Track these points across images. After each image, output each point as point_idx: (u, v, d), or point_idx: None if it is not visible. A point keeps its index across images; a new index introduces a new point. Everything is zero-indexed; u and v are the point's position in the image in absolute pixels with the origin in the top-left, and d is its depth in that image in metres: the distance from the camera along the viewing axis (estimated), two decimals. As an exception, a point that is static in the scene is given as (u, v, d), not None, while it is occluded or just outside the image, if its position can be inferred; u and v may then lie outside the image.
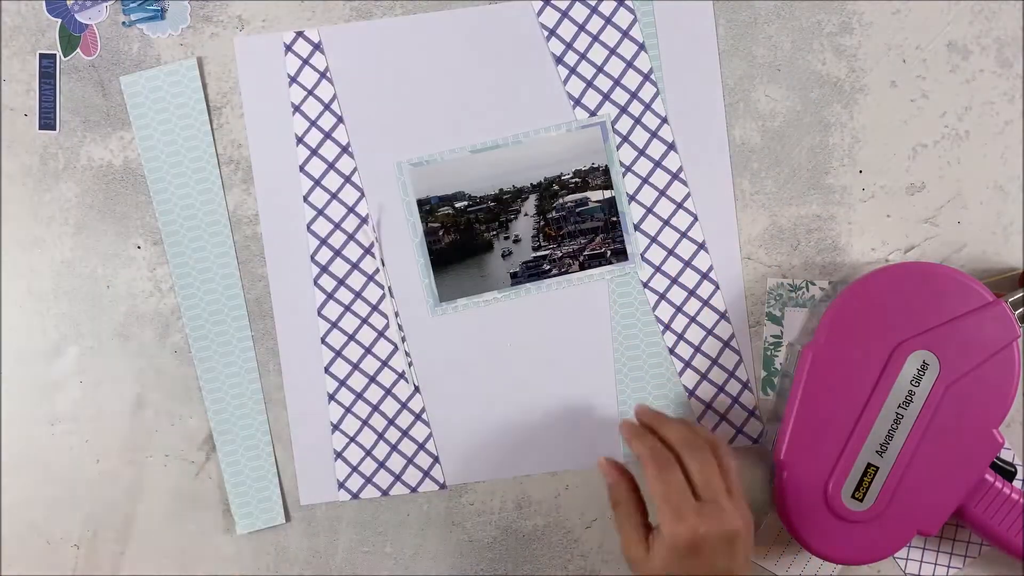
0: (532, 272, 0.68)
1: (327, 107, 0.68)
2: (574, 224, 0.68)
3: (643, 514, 0.60)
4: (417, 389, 0.69)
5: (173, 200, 0.68)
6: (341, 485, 0.69)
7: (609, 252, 0.68)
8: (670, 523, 0.56)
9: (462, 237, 0.68)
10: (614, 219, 0.68)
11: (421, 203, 0.68)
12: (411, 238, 0.68)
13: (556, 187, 0.68)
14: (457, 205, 0.68)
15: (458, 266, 0.68)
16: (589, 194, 0.68)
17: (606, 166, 0.68)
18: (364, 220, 0.68)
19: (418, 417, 0.69)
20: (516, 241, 0.68)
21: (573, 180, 0.68)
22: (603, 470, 0.62)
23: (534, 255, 0.69)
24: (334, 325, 0.68)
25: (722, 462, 0.59)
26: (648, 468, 0.58)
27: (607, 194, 0.68)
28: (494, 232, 0.68)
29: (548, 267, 0.68)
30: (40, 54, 0.67)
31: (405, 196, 0.68)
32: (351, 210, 0.68)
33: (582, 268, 0.68)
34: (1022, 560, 0.65)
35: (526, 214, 0.68)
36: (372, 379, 0.69)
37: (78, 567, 0.69)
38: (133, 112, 0.67)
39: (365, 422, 0.69)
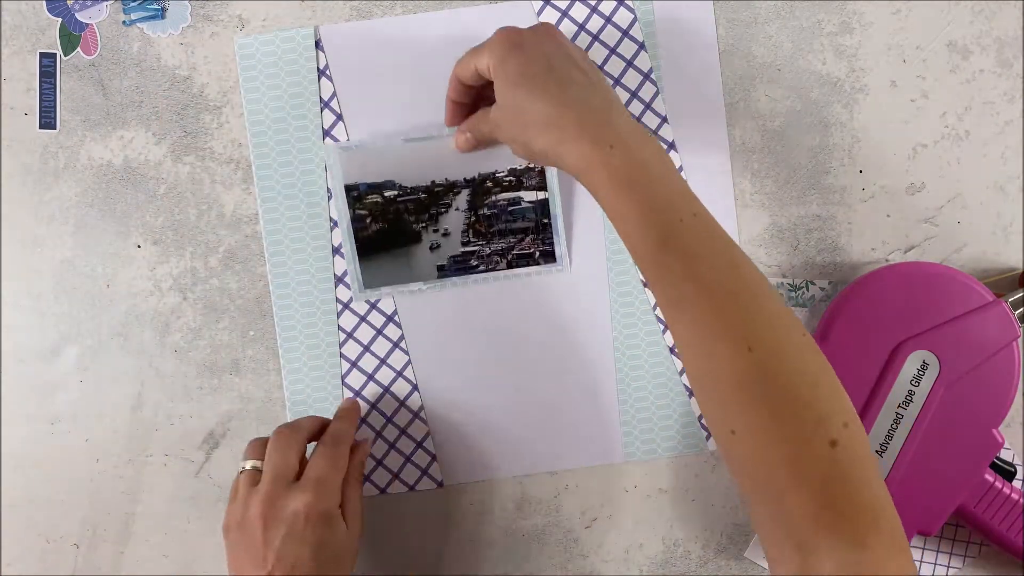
0: (459, 267, 0.68)
1: (326, 104, 0.68)
2: (505, 223, 0.68)
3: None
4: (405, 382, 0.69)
5: (273, 167, 0.68)
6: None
7: (538, 253, 0.68)
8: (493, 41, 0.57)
9: (390, 227, 0.68)
10: (545, 220, 0.68)
11: (349, 188, 0.67)
12: (341, 223, 0.68)
13: (490, 184, 0.68)
14: (387, 194, 0.68)
15: (385, 255, 0.68)
16: (523, 194, 0.68)
17: (542, 168, 0.67)
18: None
19: (416, 415, 0.69)
20: (445, 235, 0.68)
21: (508, 179, 0.68)
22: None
23: (462, 250, 0.68)
24: (334, 323, 0.69)
25: None
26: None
27: (541, 195, 0.68)
28: (423, 224, 0.68)
29: (476, 263, 0.68)
30: (40, 53, 0.67)
31: (332, 179, 0.67)
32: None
33: (510, 267, 0.68)
34: (1022, 560, 0.65)
35: (457, 208, 0.68)
36: (371, 377, 0.69)
37: (78, 567, 0.69)
38: (243, 75, 0.67)
39: (363, 420, 0.69)
